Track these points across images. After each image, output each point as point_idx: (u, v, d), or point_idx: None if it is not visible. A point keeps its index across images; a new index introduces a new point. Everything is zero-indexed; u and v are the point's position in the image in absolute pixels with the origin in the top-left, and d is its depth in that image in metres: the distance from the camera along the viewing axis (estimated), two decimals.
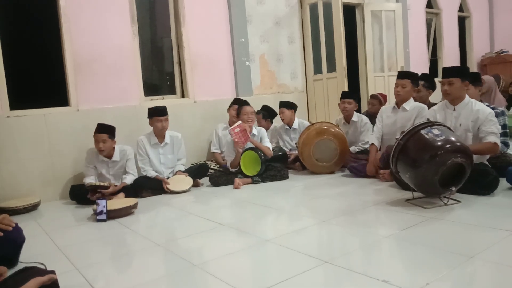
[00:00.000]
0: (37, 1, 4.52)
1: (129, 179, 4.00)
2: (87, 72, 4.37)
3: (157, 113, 4.18)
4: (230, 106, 5.05)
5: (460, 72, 3.18)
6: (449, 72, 3.19)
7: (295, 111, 5.07)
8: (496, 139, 3.02)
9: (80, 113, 4.33)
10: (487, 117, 3.07)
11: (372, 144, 4.00)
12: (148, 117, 4.24)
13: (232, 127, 4.21)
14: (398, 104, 3.92)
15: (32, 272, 1.66)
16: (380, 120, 4.07)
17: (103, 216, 3.18)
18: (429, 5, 8.25)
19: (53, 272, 1.70)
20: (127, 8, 4.63)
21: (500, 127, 3.15)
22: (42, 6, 4.38)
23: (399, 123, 3.88)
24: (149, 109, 4.25)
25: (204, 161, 5.04)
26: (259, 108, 5.33)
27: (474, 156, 2.87)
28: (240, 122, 4.25)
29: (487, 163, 3.23)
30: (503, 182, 3.12)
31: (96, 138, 3.89)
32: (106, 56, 4.49)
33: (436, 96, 4.85)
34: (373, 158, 3.90)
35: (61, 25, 4.23)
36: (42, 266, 2.03)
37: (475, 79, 4.14)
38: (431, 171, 2.68)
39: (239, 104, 4.68)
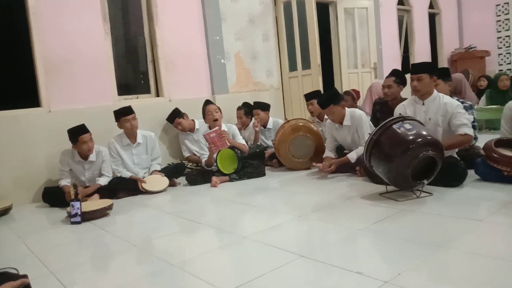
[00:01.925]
0: (5, 1, 4.38)
1: (103, 181, 3.94)
2: (58, 72, 4.28)
3: (123, 113, 4.11)
4: (172, 121, 4.97)
5: (428, 67, 3.27)
6: (417, 68, 3.26)
7: (268, 112, 5.11)
8: (467, 130, 3.08)
9: (52, 114, 4.23)
10: (456, 109, 3.15)
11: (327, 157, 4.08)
12: (116, 120, 4.17)
13: (207, 132, 4.18)
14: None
15: (3, 277, 1.63)
16: (331, 134, 4.16)
17: (78, 218, 3.12)
18: (400, 2, 8.43)
19: (25, 276, 1.67)
20: (99, 7, 4.56)
21: (470, 117, 3.25)
22: (10, 5, 4.26)
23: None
24: (114, 111, 4.18)
25: (181, 160, 5.01)
26: (236, 106, 5.35)
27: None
28: (216, 128, 4.23)
29: (456, 156, 3.33)
30: (472, 173, 3.23)
31: (83, 140, 3.79)
32: (78, 56, 4.40)
33: (407, 92, 4.96)
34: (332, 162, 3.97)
35: (30, 25, 4.13)
36: (14, 271, 1.98)
37: (445, 74, 4.25)
38: (404, 165, 2.75)
39: (179, 116, 4.77)
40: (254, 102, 5.16)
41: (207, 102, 4.57)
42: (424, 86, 3.23)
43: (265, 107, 5.07)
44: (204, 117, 4.48)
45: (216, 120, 4.33)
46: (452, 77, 5.62)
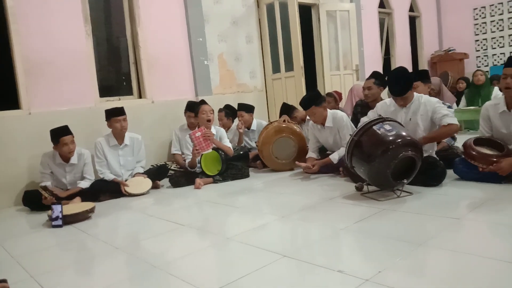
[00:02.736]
0: None
1: (84, 184, 3.90)
2: (39, 73, 4.22)
3: (114, 114, 4.09)
4: (185, 112, 4.98)
5: (409, 84, 3.27)
6: (403, 91, 3.24)
7: (253, 113, 5.13)
8: (450, 119, 3.10)
9: (32, 116, 4.17)
10: (435, 104, 3.22)
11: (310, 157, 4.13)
12: (106, 119, 4.14)
13: (193, 131, 4.17)
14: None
15: None
16: (313, 135, 4.21)
17: (59, 222, 3.08)
18: (381, 5, 8.56)
19: (4, 281, 1.65)
20: (80, 8, 4.51)
21: (448, 110, 3.27)
22: None
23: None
24: (106, 110, 4.15)
25: (165, 162, 4.99)
26: (220, 108, 5.36)
27: (424, 149, 3.02)
28: (202, 127, 4.22)
29: (435, 156, 3.40)
30: (450, 173, 3.30)
31: (64, 141, 3.75)
32: (59, 57, 4.35)
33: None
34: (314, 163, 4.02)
35: (9, 25, 4.06)
36: None
37: (424, 76, 4.35)
38: (384, 165, 2.80)
39: (191, 110, 4.68)
40: (238, 104, 5.18)
41: (203, 102, 4.55)
42: (409, 98, 3.29)
43: (249, 108, 5.10)
44: (196, 115, 4.45)
45: (209, 121, 4.31)
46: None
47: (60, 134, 3.76)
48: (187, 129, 4.85)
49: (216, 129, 4.45)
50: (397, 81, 3.28)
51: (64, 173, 3.91)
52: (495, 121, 3.22)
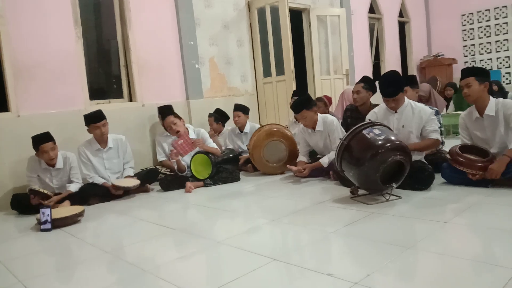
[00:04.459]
0: None
1: (73, 187, 3.86)
2: (28, 76, 4.18)
3: (92, 120, 3.99)
4: (159, 118, 4.94)
5: (400, 86, 3.33)
6: (393, 93, 3.30)
7: (248, 115, 5.15)
8: (437, 136, 3.34)
9: (22, 119, 4.13)
10: (429, 116, 3.33)
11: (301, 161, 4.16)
12: (86, 125, 4.06)
13: (175, 140, 4.13)
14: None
15: None
16: (303, 139, 4.24)
17: (48, 225, 3.06)
18: (371, 10, 8.65)
19: None
20: (70, 11, 4.49)
21: (439, 123, 3.42)
22: None
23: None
24: (84, 116, 4.05)
25: (155, 165, 4.97)
26: (210, 111, 5.37)
27: (412, 154, 3.06)
28: (184, 134, 4.18)
29: (424, 160, 3.44)
30: (438, 177, 3.35)
31: (44, 149, 3.68)
32: (48, 59, 4.32)
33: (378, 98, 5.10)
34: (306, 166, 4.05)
35: None
36: None
37: (412, 81, 4.41)
38: (373, 169, 2.83)
39: (162, 113, 4.67)
40: (236, 104, 5.16)
41: (165, 112, 4.51)
42: (398, 103, 3.35)
43: (246, 109, 5.11)
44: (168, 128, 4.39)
45: (178, 132, 4.22)
46: (420, 86, 5.88)
47: (39, 142, 3.69)
48: (168, 135, 4.73)
49: (196, 131, 4.42)
50: (389, 84, 3.34)
51: (50, 177, 3.87)
52: (471, 128, 3.32)
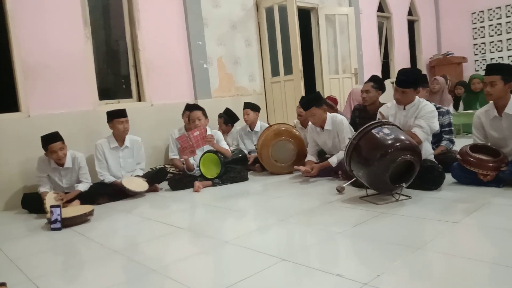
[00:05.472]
0: None
1: (83, 187, 3.89)
2: (38, 77, 4.22)
3: (117, 115, 4.10)
4: (183, 113, 4.98)
5: (413, 81, 3.28)
6: (404, 83, 3.27)
7: (258, 113, 5.13)
8: (418, 131, 3.16)
9: (32, 119, 4.17)
10: (427, 113, 3.24)
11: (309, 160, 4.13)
12: (108, 121, 4.14)
13: (192, 130, 4.17)
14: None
15: None
16: (312, 139, 4.21)
17: (58, 225, 3.08)
18: (380, 9, 8.59)
19: (4, 284, 1.65)
20: (79, 12, 4.52)
21: (429, 126, 3.23)
22: None
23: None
24: (108, 112, 4.15)
25: (164, 165, 4.98)
26: (218, 111, 5.36)
27: (422, 153, 3.03)
28: (201, 127, 4.21)
29: (434, 159, 3.41)
30: (448, 177, 3.31)
31: (53, 149, 3.71)
32: (58, 60, 4.36)
33: (386, 97, 5.06)
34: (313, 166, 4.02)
35: (9, 29, 4.06)
36: None
37: (422, 81, 4.36)
38: (382, 169, 2.80)
39: (190, 108, 4.68)
40: (245, 102, 5.15)
41: (192, 108, 4.54)
42: (407, 99, 3.29)
43: (255, 107, 5.09)
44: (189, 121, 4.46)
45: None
46: (437, 79, 6.28)
47: (48, 142, 3.72)
48: (184, 131, 4.83)
49: (213, 132, 4.45)
50: (404, 74, 3.31)
51: (60, 177, 3.90)
52: (488, 128, 3.24)
